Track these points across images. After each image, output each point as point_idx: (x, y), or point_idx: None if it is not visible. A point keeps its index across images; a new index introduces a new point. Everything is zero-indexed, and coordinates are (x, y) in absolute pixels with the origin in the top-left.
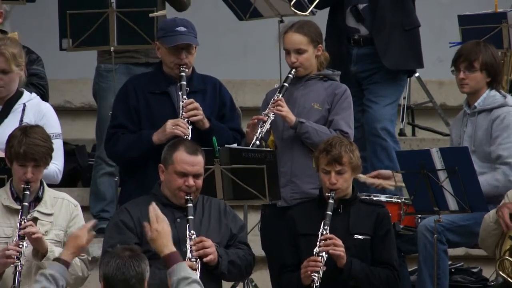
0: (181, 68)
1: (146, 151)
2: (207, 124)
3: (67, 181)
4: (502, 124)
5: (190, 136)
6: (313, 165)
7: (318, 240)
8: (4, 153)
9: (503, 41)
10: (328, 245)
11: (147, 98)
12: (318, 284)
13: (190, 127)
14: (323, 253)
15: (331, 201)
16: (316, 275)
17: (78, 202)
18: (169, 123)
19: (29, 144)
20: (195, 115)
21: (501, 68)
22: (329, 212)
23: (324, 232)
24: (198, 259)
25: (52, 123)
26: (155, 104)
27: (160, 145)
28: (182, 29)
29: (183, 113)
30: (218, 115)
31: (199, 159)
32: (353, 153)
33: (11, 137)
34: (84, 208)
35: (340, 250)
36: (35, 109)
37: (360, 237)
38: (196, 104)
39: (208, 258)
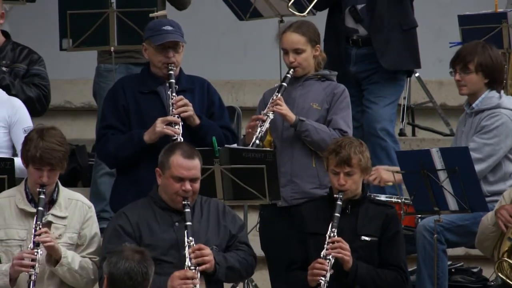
0: (169, 67)
1: (138, 151)
2: (197, 120)
3: (67, 181)
4: (487, 122)
5: (181, 131)
6: (313, 164)
7: (326, 242)
8: (21, 155)
9: (503, 41)
10: (335, 248)
11: (136, 97)
12: None
13: (181, 123)
14: (330, 256)
15: (339, 202)
16: (323, 278)
17: None
18: (159, 122)
19: (46, 148)
20: (185, 111)
21: (501, 69)
22: (337, 214)
23: (332, 235)
24: (198, 267)
25: (26, 117)
26: (145, 104)
27: (152, 144)
28: (169, 28)
29: (173, 110)
30: (207, 114)
31: (196, 163)
32: (362, 154)
33: (27, 139)
34: None
35: (345, 254)
36: (7, 104)
37: (367, 238)
38: (186, 101)
39: (204, 266)
